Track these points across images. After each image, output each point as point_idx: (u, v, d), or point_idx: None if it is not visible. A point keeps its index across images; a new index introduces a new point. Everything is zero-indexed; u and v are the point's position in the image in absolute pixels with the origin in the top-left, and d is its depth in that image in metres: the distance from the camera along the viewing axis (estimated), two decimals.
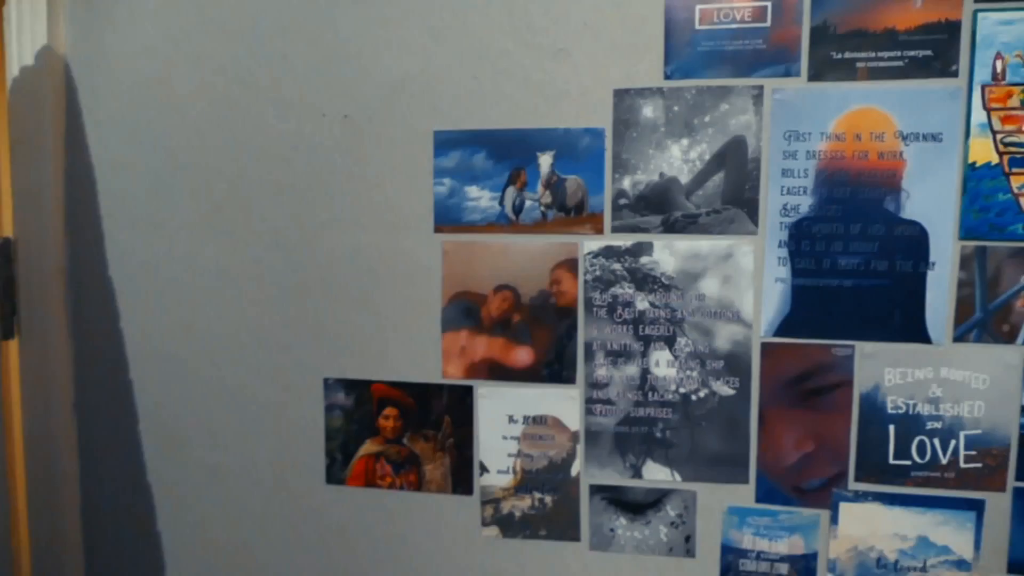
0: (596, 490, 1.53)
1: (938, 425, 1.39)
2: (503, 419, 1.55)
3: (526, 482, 1.55)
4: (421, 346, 1.56)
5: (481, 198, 1.51)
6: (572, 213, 1.48)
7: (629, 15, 1.42)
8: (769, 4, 1.37)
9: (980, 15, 1.31)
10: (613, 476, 1.52)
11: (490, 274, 1.52)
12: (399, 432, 1.60)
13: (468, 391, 1.56)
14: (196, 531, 1.70)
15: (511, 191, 1.50)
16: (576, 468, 1.53)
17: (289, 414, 1.63)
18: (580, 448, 1.53)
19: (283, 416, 1.63)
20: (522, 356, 1.53)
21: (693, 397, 1.47)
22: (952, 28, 1.32)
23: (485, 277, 1.53)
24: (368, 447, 1.62)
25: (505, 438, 1.55)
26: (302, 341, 1.61)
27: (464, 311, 1.54)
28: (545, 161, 1.48)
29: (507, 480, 1.56)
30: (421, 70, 1.51)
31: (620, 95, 1.44)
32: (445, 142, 1.51)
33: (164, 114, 1.61)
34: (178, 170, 1.62)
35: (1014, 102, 1.31)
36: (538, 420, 1.54)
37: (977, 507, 1.40)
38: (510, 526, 1.57)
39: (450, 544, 1.59)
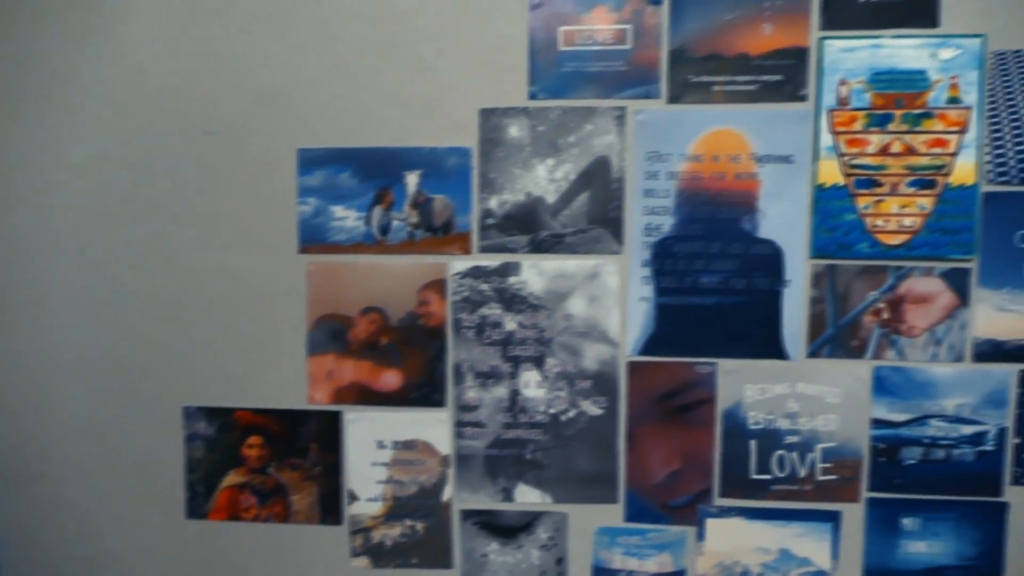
0: (468, 515, 1.50)
1: (796, 439, 1.43)
2: (372, 445, 1.51)
3: (396, 509, 1.51)
4: (287, 371, 1.51)
5: (347, 218, 1.47)
6: (440, 233, 1.46)
7: (494, 34, 1.42)
8: (630, 27, 1.39)
9: (826, 42, 1.36)
10: (485, 500, 1.49)
11: (357, 296, 1.48)
12: (265, 461, 1.53)
13: (336, 417, 1.51)
14: (46, 572, 1.59)
15: (378, 211, 1.46)
16: (447, 493, 1.50)
17: (146, 445, 1.54)
18: (451, 472, 1.50)
19: (140, 447, 1.55)
20: (391, 379, 1.49)
21: (562, 417, 1.47)
22: (800, 54, 1.36)
23: (352, 299, 1.48)
24: (232, 478, 1.54)
25: (374, 464, 1.51)
26: (160, 367, 1.52)
27: (331, 334, 1.49)
28: (412, 180, 1.45)
29: (377, 508, 1.51)
30: (285, 85, 1.46)
31: (486, 114, 1.43)
32: (310, 160, 1.46)
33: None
34: (25, 185, 1.51)
35: (858, 126, 1.36)
36: (408, 445, 1.50)
37: (834, 518, 1.43)
38: (380, 556, 1.52)
39: None
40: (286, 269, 1.48)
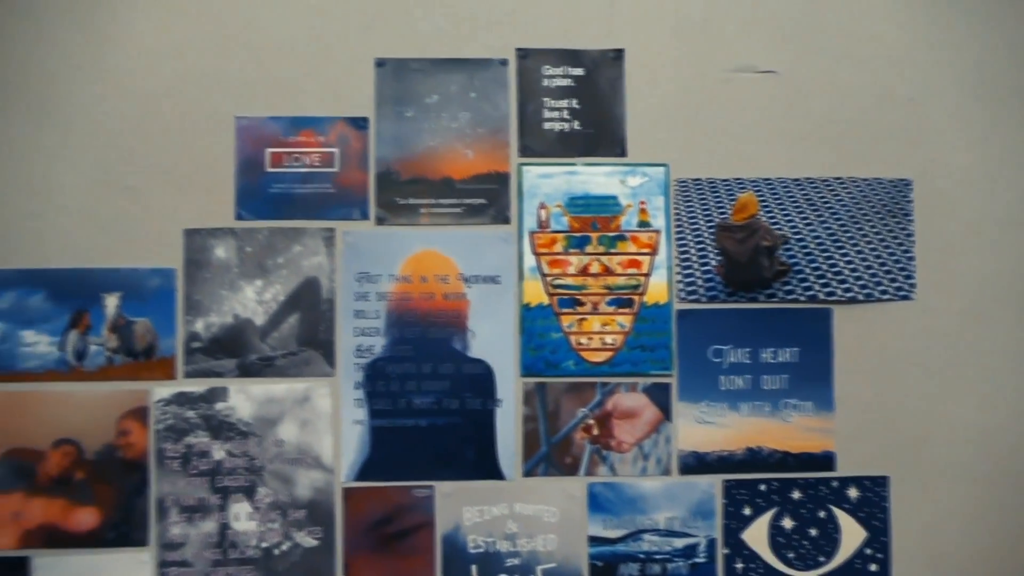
0: None
1: (516, 561, 1.40)
2: None
3: None
4: None
5: (39, 343, 1.37)
6: (141, 358, 1.38)
7: (199, 154, 1.39)
8: (336, 150, 1.40)
9: (524, 168, 1.41)
10: None
11: (48, 427, 1.37)
12: None
13: (23, 563, 1.36)
14: None
15: (73, 335, 1.37)
16: None
17: None
18: None
19: None
20: (86, 518, 1.37)
21: (275, 551, 1.38)
22: (502, 179, 1.41)
23: (43, 431, 1.37)
24: None
25: None
26: None
27: (17, 470, 1.37)
28: (111, 302, 1.38)
29: None
30: None
31: (191, 235, 1.38)
32: None
33: None
34: None
35: (558, 247, 1.40)
36: None
37: None
38: None
39: None
40: None
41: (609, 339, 1.41)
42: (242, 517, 1.38)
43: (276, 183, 1.40)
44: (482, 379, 1.40)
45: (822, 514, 1.43)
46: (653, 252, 1.41)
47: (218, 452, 1.38)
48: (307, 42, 1.40)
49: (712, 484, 1.42)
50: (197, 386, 1.38)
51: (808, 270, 1.41)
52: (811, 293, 1.41)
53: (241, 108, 1.39)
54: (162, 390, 1.38)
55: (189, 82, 1.38)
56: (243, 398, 1.38)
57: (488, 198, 1.41)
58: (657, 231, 1.41)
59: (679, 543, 1.42)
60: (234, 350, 1.38)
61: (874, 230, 1.42)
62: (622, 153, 1.42)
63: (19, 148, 1.37)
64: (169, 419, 1.37)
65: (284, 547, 1.38)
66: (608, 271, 1.41)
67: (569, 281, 1.41)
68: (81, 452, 1.37)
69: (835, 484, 1.43)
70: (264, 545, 1.38)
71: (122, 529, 1.37)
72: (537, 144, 1.41)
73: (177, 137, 1.39)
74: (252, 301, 1.39)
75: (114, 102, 1.38)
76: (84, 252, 1.38)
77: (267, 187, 1.39)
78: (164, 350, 1.38)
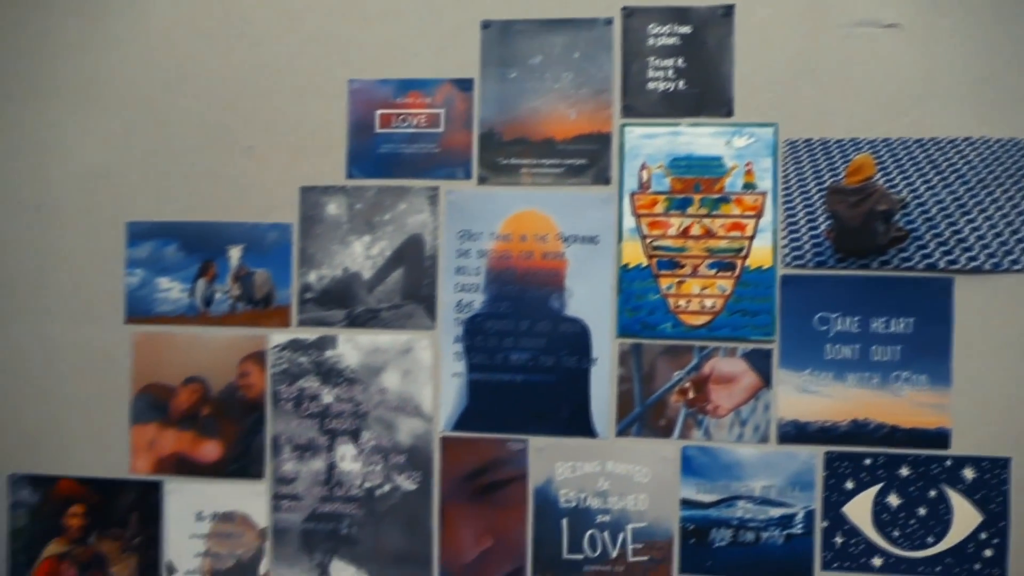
0: None
1: (607, 519, 1.42)
2: (191, 517, 1.50)
3: None
4: (109, 440, 1.52)
5: (172, 289, 1.50)
6: (260, 306, 1.48)
7: (314, 116, 1.46)
8: (442, 111, 1.44)
9: (627, 129, 1.40)
10: (300, 575, 1.48)
11: (180, 366, 1.50)
12: (86, 531, 1.52)
13: (156, 487, 1.51)
14: None
15: (202, 283, 1.49)
16: (264, 567, 1.49)
17: None
18: (268, 546, 1.49)
19: None
20: (210, 450, 1.50)
21: (377, 492, 1.46)
22: (603, 139, 1.40)
23: (175, 369, 1.50)
24: (53, 547, 1.54)
25: (193, 537, 1.50)
26: None
27: (153, 404, 1.51)
28: (235, 254, 1.48)
29: None
30: (115, 162, 1.50)
31: (306, 192, 1.46)
32: (138, 233, 1.50)
33: None
34: None
35: (659, 209, 1.39)
36: (226, 517, 1.50)
37: None
38: None
39: None
40: (112, 339, 1.50)
41: (709, 302, 1.38)
42: (347, 458, 1.46)
43: (385, 143, 1.45)
44: (578, 338, 1.41)
45: (933, 493, 1.36)
46: (758, 215, 1.37)
47: (327, 396, 1.47)
48: (415, 6, 1.44)
49: (813, 455, 1.38)
50: (309, 334, 1.47)
51: (928, 237, 1.33)
52: (930, 261, 1.34)
53: (353, 72, 1.45)
54: (278, 336, 1.47)
55: (305, 48, 1.45)
56: (350, 347, 1.46)
57: (589, 158, 1.41)
58: (763, 193, 1.37)
59: (775, 512, 1.39)
60: (343, 301, 1.46)
61: (1006, 195, 1.33)
62: (728, 113, 1.38)
63: (154, 115, 1.49)
64: (284, 364, 1.47)
65: (385, 489, 1.46)
66: (710, 233, 1.38)
67: (669, 243, 1.39)
68: (207, 390, 1.49)
69: (949, 463, 1.36)
70: (367, 486, 1.46)
71: (241, 462, 1.48)
72: (640, 104, 1.40)
73: (294, 101, 1.46)
74: (360, 256, 1.46)
75: (237, 70, 1.47)
76: (212, 207, 1.49)
77: (376, 147, 1.45)
78: (280, 299, 1.47)
